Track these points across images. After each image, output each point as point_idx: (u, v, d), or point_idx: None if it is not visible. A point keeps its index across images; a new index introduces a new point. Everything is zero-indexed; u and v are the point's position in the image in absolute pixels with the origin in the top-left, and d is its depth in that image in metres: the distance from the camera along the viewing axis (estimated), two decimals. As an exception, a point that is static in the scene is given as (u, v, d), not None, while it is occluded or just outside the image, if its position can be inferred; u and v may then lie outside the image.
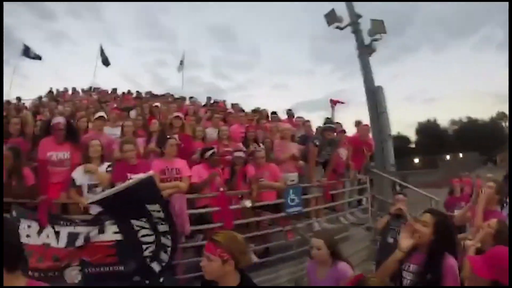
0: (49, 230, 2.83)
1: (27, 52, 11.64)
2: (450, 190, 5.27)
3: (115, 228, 2.87)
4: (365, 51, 7.39)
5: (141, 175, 2.46)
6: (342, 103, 5.59)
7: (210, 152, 3.57)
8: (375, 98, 7.11)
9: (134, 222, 2.68)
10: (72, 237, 2.82)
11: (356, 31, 7.51)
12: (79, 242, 2.81)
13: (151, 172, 2.48)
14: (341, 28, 7.56)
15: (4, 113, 5.58)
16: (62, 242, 2.81)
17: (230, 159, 3.68)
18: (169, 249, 2.77)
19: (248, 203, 3.40)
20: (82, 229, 2.85)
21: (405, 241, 1.71)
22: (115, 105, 6.38)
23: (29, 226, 2.83)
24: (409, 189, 6.34)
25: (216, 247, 1.34)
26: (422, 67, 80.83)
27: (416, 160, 37.12)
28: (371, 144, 5.72)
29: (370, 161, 5.89)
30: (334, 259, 1.83)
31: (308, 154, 4.23)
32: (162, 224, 2.69)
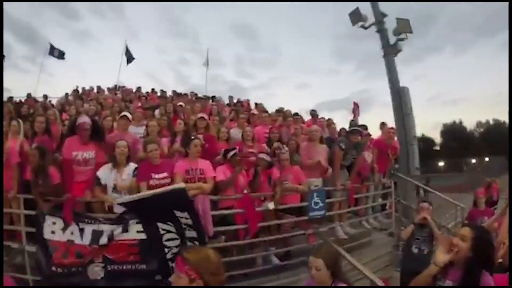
0: (73, 227, 2.94)
1: (52, 51, 12.13)
2: (474, 202, 4.98)
3: (139, 227, 2.93)
4: (390, 51, 7.08)
5: (173, 186, 2.48)
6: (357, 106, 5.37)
7: (232, 152, 3.55)
8: (400, 99, 6.86)
9: (160, 225, 2.71)
10: (96, 234, 2.91)
11: (381, 30, 7.20)
12: (103, 240, 2.89)
13: (183, 185, 2.49)
14: (366, 27, 7.27)
15: (31, 111, 5.84)
16: (86, 239, 2.91)
17: (253, 161, 3.64)
18: None
19: (271, 205, 3.37)
20: (106, 227, 2.93)
21: (442, 256, 1.63)
22: (139, 104, 6.48)
23: (54, 223, 2.97)
24: (433, 194, 6.15)
25: (184, 264, 1.24)
26: (447, 67, 76.45)
27: (441, 163, 35.48)
28: (396, 147, 5.52)
29: (395, 164, 5.68)
30: (334, 280, 1.71)
31: (333, 158, 4.13)
32: (189, 230, 2.70)
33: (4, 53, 12.50)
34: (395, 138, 5.52)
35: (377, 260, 4.35)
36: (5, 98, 8.84)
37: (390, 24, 6.80)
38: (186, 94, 9.10)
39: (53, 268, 2.95)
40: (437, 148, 41.56)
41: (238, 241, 3.35)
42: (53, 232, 2.97)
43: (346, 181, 4.23)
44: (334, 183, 4.12)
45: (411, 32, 7.05)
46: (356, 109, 5.06)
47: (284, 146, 4.16)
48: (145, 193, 2.50)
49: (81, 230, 2.94)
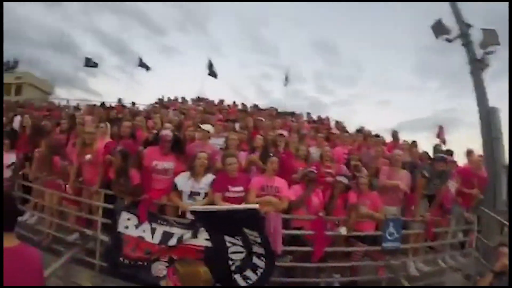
0: (146, 225, 3.09)
1: (141, 63, 13.67)
2: None
3: (207, 235, 2.95)
4: (477, 66, 6.25)
5: (248, 205, 2.41)
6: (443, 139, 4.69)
7: (309, 173, 3.39)
8: (489, 121, 5.91)
9: (227, 238, 2.70)
10: (167, 236, 3.03)
11: (467, 44, 6.40)
12: (172, 241, 2.99)
13: (257, 205, 2.46)
14: (450, 41, 6.52)
15: (119, 115, 6.38)
16: (156, 238, 3.04)
17: (330, 182, 3.47)
18: (260, 270, 2.71)
19: (343, 231, 3.13)
20: (177, 230, 3.03)
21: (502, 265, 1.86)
22: (220, 116, 6.63)
23: (128, 219, 3.15)
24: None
25: (173, 273, 1.35)
26: None
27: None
28: (484, 177, 4.73)
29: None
30: None
31: (414, 186, 3.70)
32: (258, 246, 2.65)
33: (96, 62, 14.74)
34: (483, 168, 4.73)
35: None
36: (97, 103, 10.06)
37: (476, 35, 6.12)
38: (266, 109, 8.92)
39: (121, 259, 3.13)
40: None
41: (305, 262, 3.19)
42: (126, 227, 3.16)
43: (426, 212, 3.76)
44: (413, 214, 3.70)
45: (498, 44, 6.12)
46: (441, 133, 4.44)
47: (363, 169, 3.83)
48: (220, 207, 2.47)
49: (153, 230, 3.07)
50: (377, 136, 5.58)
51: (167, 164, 3.44)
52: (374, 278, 3.43)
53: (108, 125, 4.17)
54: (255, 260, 2.70)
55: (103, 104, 9.33)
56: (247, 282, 2.77)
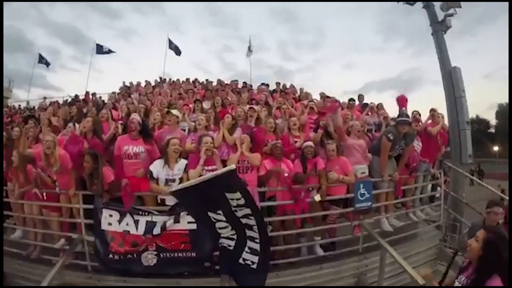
0: (129, 219, 3.16)
1: (99, 49, 13.04)
2: None
3: (189, 218, 3.05)
4: (439, 28, 6.54)
5: (224, 169, 2.48)
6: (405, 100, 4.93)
7: (275, 146, 3.54)
8: (451, 80, 6.27)
9: (211, 214, 2.76)
10: (150, 225, 3.10)
11: (428, 6, 6.62)
12: (156, 230, 3.07)
13: (233, 166, 2.49)
14: (412, 3, 6.72)
15: (84, 110, 6.20)
16: (141, 229, 3.11)
17: (299, 150, 3.61)
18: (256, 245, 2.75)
19: (317, 197, 3.32)
20: (159, 219, 3.11)
21: None
22: (186, 99, 6.58)
23: (110, 215, 3.21)
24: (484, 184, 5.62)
25: None
26: (502, 40, 67.80)
27: (496, 148, 31.59)
28: (446, 135, 5.07)
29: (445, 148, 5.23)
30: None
31: (381, 148, 3.91)
32: (241, 209, 2.65)
33: (52, 56, 14.12)
34: (446, 124, 5.05)
35: (423, 254, 4.20)
36: (58, 99, 9.63)
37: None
38: (232, 81, 9.08)
39: (110, 256, 3.20)
40: (492, 130, 37.69)
41: (284, 231, 3.38)
42: (110, 224, 3.21)
43: (394, 172, 4.00)
44: (381, 174, 3.93)
45: (459, 7, 6.39)
46: (403, 102, 4.66)
47: (333, 133, 3.97)
48: (197, 179, 2.54)
49: (136, 221, 3.14)
50: (351, 100, 5.82)
51: (137, 148, 3.47)
52: (351, 237, 3.68)
53: (75, 125, 4.09)
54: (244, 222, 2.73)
55: (73, 98, 9.07)
56: (247, 264, 2.82)
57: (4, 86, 18.78)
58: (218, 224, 2.76)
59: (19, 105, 11.59)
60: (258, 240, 2.75)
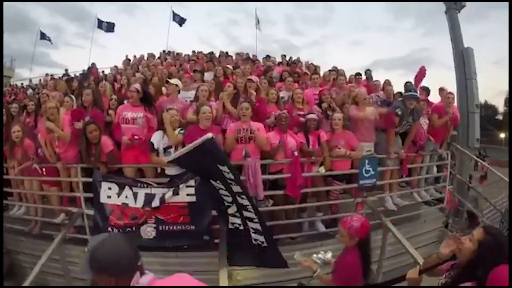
0: (127, 191, 3.11)
1: (100, 24, 12.79)
2: None
3: (188, 190, 3.01)
4: (453, 6, 6.19)
5: (202, 138, 2.43)
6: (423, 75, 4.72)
7: (281, 115, 3.43)
8: (463, 61, 6.02)
9: (213, 182, 2.73)
10: (149, 198, 3.05)
11: None
12: (155, 202, 3.02)
13: (210, 134, 2.46)
14: None
15: (85, 84, 6.11)
16: (140, 202, 3.07)
17: (302, 122, 3.51)
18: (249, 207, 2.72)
19: (321, 170, 3.24)
20: (158, 191, 3.06)
21: (445, 250, 1.55)
22: (188, 67, 6.46)
23: (109, 188, 3.16)
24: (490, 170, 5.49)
25: None
26: None
27: (502, 135, 30.50)
28: (456, 116, 4.90)
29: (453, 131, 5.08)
30: None
31: (387, 124, 3.78)
32: (235, 185, 2.67)
33: (56, 33, 13.99)
34: (455, 105, 4.88)
35: (425, 236, 4.13)
36: (58, 75, 9.52)
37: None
38: (237, 54, 8.91)
39: (109, 229, 3.17)
40: (499, 117, 36.59)
41: (286, 205, 3.31)
42: (109, 197, 3.17)
43: (400, 149, 3.88)
44: (387, 151, 3.81)
45: None
46: (420, 78, 4.45)
47: (337, 108, 3.87)
48: (184, 148, 2.50)
49: (135, 194, 3.09)
50: (358, 74, 5.64)
51: (136, 113, 3.43)
52: (354, 214, 3.61)
53: (73, 97, 4.01)
54: (240, 200, 2.71)
55: (67, 75, 8.92)
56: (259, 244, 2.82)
57: (6, 65, 18.95)
58: (221, 192, 2.74)
59: (22, 83, 11.49)
60: (256, 220, 2.72)
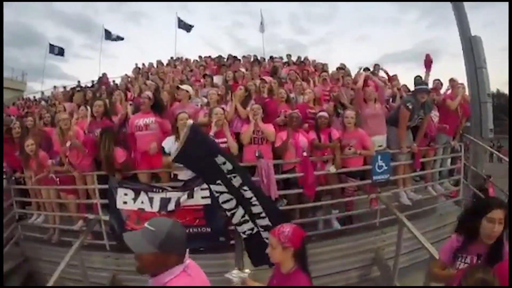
0: (143, 197, 3.16)
1: (108, 35, 12.99)
2: None
3: (203, 193, 3.04)
4: None
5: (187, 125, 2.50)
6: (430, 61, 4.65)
7: (292, 115, 3.44)
8: (472, 50, 5.89)
9: (213, 187, 2.75)
10: (164, 202, 3.10)
11: None
12: (171, 206, 3.07)
13: (190, 121, 2.53)
14: None
15: (97, 94, 6.22)
16: (156, 207, 3.11)
17: (314, 121, 3.51)
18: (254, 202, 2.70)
19: (332, 169, 3.22)
20: (173, 195, 3.10)
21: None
22: (198, 74, 6.52)
23: (125, 194, 3.21)
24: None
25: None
26: None
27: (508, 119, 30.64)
28: (467, 107, 4.81)
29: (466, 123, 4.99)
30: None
31: (399, 118, 3.73)
32: (234, 177, 2.64)
33: (62, 48, 14.15)
34: (466, 94, 4.79)
35: (441, 230, 4.02)
36: (71, 85, 9.70)
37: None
38: (244, 57, 8.93)
39: None
40: None
41: (300, 204, 3.32)
42: (125, 203, 3.22)
43: (412, 143, 3.84)
44: (400, 146, 3.77)
45: None
46: (429, 63, 4.38)
47: (349, 105, 3.85)
48: (179, 143, 2.58)
49: (151, 199, 3.14)
50: (366, 69, 5.59)
51: (148, 119, 3.50)
52: (368, 210, 3.59)
53: (88, 107, 4.11)
54: (246, 194, 2.70)
55: (80, 86, 9.09)
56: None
57: (17, 79, 19.54)
58: (221, 198, 2.75)
59: (34, 97, 11.79)
60: (264, 214, 2.70)
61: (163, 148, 3.22)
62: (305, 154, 3.20)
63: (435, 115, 4.16)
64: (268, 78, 4.33)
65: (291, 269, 1.51)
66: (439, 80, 4.56)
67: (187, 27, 12.99)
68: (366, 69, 5.69)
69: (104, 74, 9.70)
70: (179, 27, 12.83)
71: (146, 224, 1.19)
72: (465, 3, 6.14)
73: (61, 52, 14.32)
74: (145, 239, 1.16)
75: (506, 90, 36.32)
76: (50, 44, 14.18)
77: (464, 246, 1.68)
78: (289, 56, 8.34)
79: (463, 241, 1.69)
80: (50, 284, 2.72)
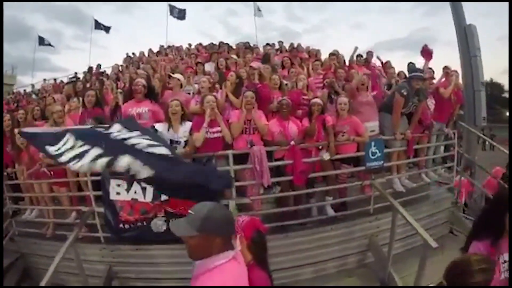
0: (136, 187, 3.12)
1: (98, 25, 12.74)
2: None
3: None
4: None
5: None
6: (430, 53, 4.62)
7: (283, 101, 3.40)
8: (466, 39, 5.89)
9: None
10: None
11: None
12: (164, 196, 3.03)
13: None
14: None
15: (88, 84, 6.12)
16: (149, 196, 3.09)
17: (307, 108, 3.47)
18: None
19: (326, 156, 3.21)
20: None
21: None
22: (189, 62, 6.43)
23: (118, 185, 3.17)
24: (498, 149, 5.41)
25: None
26: None
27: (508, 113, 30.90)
28: (461, 94, 4.83)
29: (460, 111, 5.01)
30: None
31: (393, 105, 3.73)
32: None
33: (55, 38, 13.98)
34: (460, 82, 4.80)
35: (434, 216, 4.12)
36: (64, 79, 9.54)
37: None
38: (237, 45, 8.69)
39: (121, 225, 3.21)
40: (506, 95, 35.71)
41: (294, 191, 3.31)
42: (118, 193, 3.19)
43: (406, 130, 3.84)
44: (394, 132, 3.77)
45: None
46: (428, 54, 4.33)
47: (342, 92, 3.83)
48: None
49: (143, 189, 3.11)
50: (359, 56, 5.57)
51: (141, 109, 3.44)
52: (362, 197, 3.61)
53: (80, 99, 4.05)
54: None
55: (77, 78, 8.95)
56: None
57: (7, 73, 19.18)
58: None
59: (24, 90, 11.61)
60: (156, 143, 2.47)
61: (155, 129, 3.19)
62: (292, 142, 3.18)
63: (431, 103, 4.15)
64: (256, 64, 4.27)
65: (249, 262, 1.41)
66: (431, 68, 4.54)
67: (181, 14, 12.72)
68: (360, 55, 5.65)
69: (98, 65, 9.53)
70: (171, 14, 12.56)
71: (189, 210, 1.20)
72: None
73: (49, 43, 14.11)
74: (186, 223, 1.16)
75: (500, 80, 36.73)
76: (39, 36, 13.94)
77: (495, 245, 1.53)
78: (281, 43, 8.24)
79: (491, 242, 1.54)
80: (45, 279, 2.69)
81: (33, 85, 11.78)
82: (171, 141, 3.17)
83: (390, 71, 4.40)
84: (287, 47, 7.79)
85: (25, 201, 4.23)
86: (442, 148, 4.69)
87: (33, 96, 8.57)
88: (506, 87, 36.51)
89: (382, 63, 5.71)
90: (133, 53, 9.93)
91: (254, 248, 1.45)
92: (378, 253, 3.43)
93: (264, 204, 3.47)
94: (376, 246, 3.50)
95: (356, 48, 5.85)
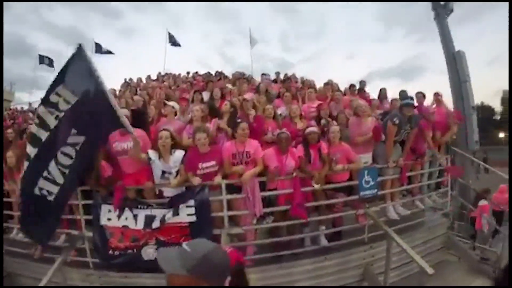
0: (128, 213, 3.10)
1: (99, 49, 12.95)
2: None
3: (188, 210, 3.00)
4: (442, 11, 6.35)
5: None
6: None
7: (279, 136, 3.38)
8: (456, 64, 6.10)
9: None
10: (149, 219, 3.05)
11: None
12: (156, 223, 3.02)
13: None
14: None
15: None
16: (140, 224, 3.06)
17: (302, 137, 3.49)
18: None
19: (317, 186, 3.20)
20: (158, 212, 3.05)
21: None
22: (184, 93, 6.48)
23: (109, 211, 3.15)
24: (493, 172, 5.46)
25: None
26: (505, 25, 65.93)
27: (501, 135, 30.78)
28: (459, 114, 4.90)
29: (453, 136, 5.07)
30: None
31: (386, 134, 3.77)
32: None
33: (52, 59, 13.97)
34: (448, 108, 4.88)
35: (430, 243, 4.09)
36: None
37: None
38: (233, 75, 8.78)
39: (110, 252, 3.15)
40: (497, 117, 36.73)
41: (286, 221, 3.27)
42: (109, 219, 3.16)
43: (399, 157, 3.86)
44: (386, 161, 3.80)
45: None
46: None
47: (334, 122, 3.88)
48: None
49: (135, 216, 3.09)
50: (352, 86, 5.68)
51: (126, 144, 3.31)
52: (358, 226, 3.58)
53: None
54: None
55: None
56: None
57: (6, 89, 19.14)
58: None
59: (22, 107, 11.61)
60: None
61: (148, 157, 3.19)
62: (294, 174, 3.16)
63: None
64: (249, 96, 4.32)
65: None
66: (421, 93, 4.65)
67: (177, 44, 13.16)
68: (352, 85, 5.79)
69: None
70: (169, 41, 12.91)
71: (184, 244, 1.06)
72: (450, 19, 6.41)
73: (51, 63, 14.22)
74: (177, 259, 1.02)
75: (491, 103, 37.58)
76: (40, 55, 14.11)
77: None
78: (277, 73, 8.42)
79: None
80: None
81: (30, 103, 11.81)
82: (163, 172, 3.17)
83: (395, 103, 4.50)
84: (281, 77, 7.97)
85: (15, 220, 4.13)
86: (437, 174, 4.71)
87: (30, 114, 8.55)
88: (497, 109, 37.45)
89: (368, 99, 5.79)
90: (130, 79, 10.06)
91: (234, 281, 1.38)
92: (374, 282, 3.37)
93: (257, 234, 3.42)
94: (371, 275, 3.45)
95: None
